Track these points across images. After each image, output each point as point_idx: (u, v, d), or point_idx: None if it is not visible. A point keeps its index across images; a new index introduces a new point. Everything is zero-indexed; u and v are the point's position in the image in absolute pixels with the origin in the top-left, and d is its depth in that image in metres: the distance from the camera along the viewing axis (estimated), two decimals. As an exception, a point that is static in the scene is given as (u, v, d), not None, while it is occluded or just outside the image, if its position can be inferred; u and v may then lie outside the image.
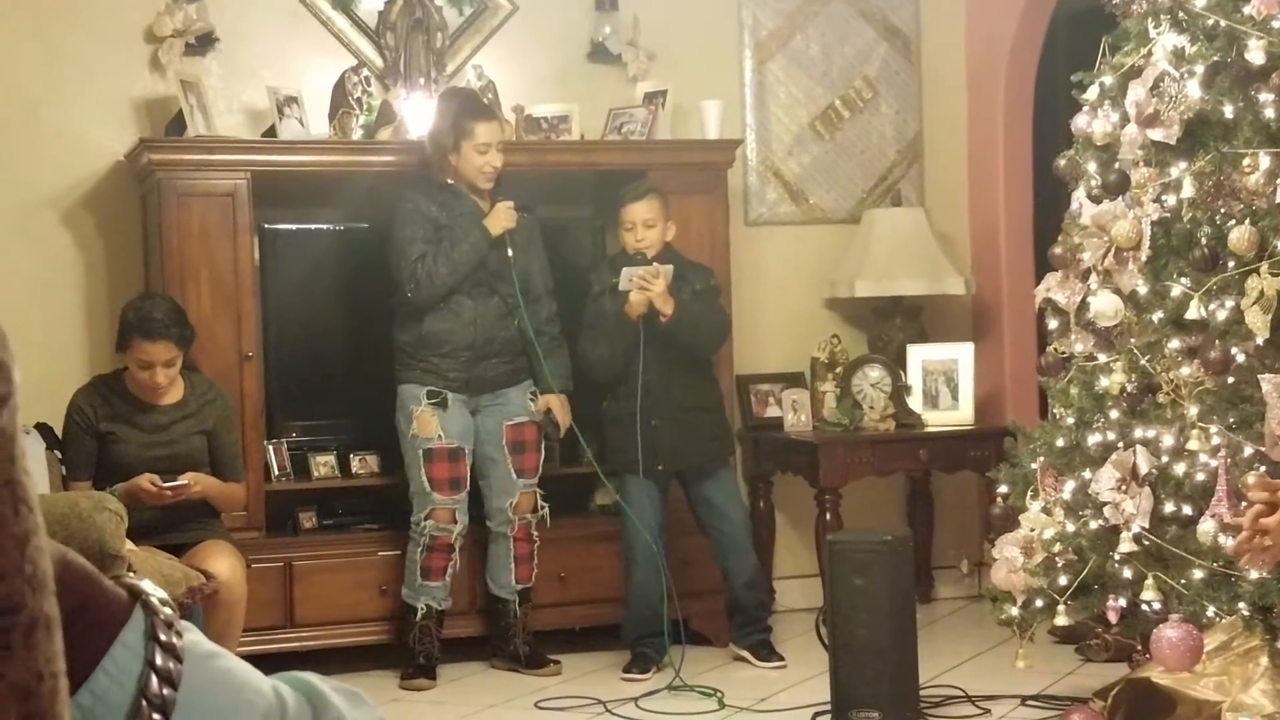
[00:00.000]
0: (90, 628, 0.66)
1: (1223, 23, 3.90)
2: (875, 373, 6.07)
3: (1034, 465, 4.30)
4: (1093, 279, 4.15)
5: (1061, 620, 4.17)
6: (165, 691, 0.67)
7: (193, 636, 0.71)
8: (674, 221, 5.43)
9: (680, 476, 5.48)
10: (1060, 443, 4.25)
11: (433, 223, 5.26)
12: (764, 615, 5.58)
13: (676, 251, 5.45)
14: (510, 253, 5.28)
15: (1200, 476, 3.85)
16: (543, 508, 5.42)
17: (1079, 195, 4.32)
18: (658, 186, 5.44)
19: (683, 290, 5.33)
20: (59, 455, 4.76)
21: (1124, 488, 3.94)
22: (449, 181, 5.29)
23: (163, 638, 0.68)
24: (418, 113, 5.64)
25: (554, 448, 5.57)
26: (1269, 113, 3.74)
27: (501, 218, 5.26)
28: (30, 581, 0.56)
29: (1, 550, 0.55)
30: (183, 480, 4.60)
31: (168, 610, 0.70)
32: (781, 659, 5.40)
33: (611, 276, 5.36)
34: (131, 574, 0.73)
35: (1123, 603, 4.02)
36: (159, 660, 0.67)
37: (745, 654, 5.45)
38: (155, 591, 0.70)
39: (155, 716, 0.67)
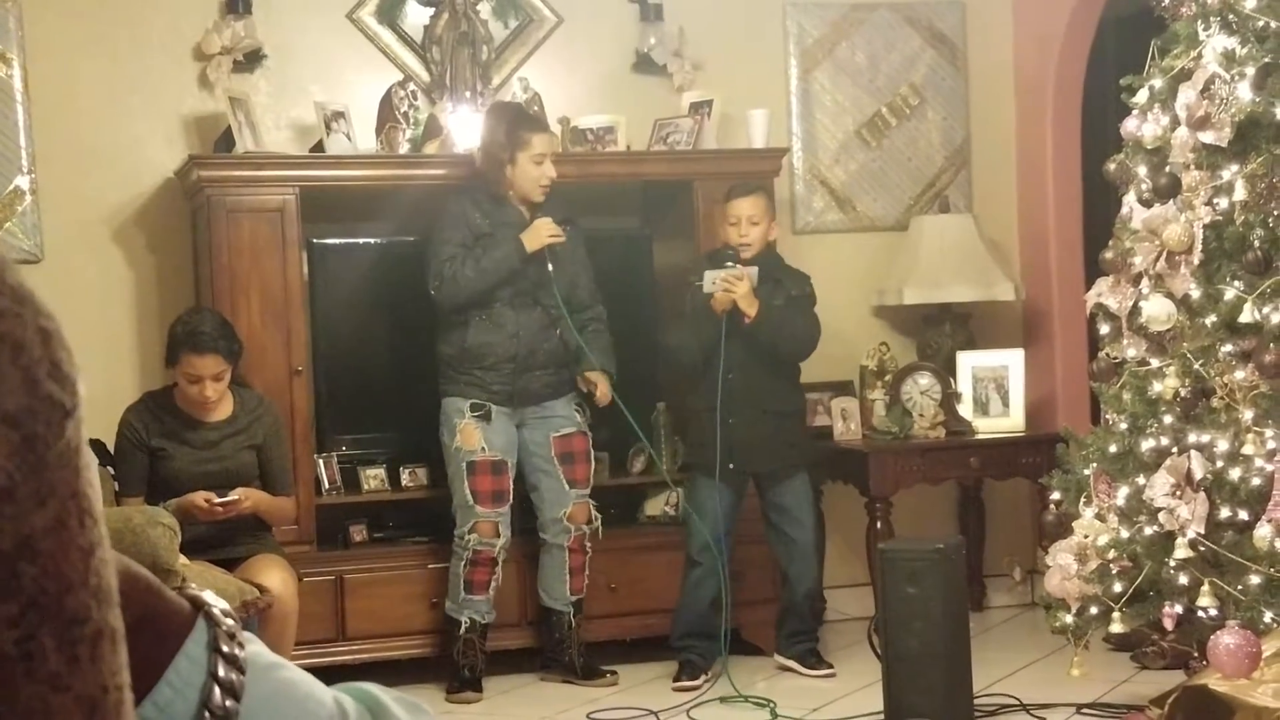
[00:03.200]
0: (153, 639, 0.66)
1: (1274, 24, 3.87)
2: (925, 380, 6.05)
3: (1087, 471, 4.27)
4: (1144, 283, 4.12)
5: (1116, 627, 4.14)
6: (228, 703, 0.67)
7: (255, 648, 0.70)
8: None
9: (756, 480, 5.44)
10: (1113, 448, 4.22)
11: (473, 230, 5.26)
12: (815, 626, 5.55)
13: (777, 254, 5.43)
14: (550, 268, 5.25)
15: (1256, 481, 3.83)
16: (597, 518, 5.42)
17: (1129, 199, 4.30)
18: (766, 185, 5.43)
19: (776, 295, 5.28)
20: (111, 471, 4.80)
21: (1179, 493, 3.91)
22: (505, 193, 5.29)
23: (225, 649, 0.68)
24: (464, 126, 5.66)
25: (603, 459, 5.58)
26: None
27: (540, 233, 5.23)
28: (96, 594, 0.56)
29: (67, 562, 0.55)
30: (234, 496, 4.62)
31: (230, 622, 0.69)
32: (830, 667, 5.37)
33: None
34: (193, 586, 0.73)
35: (1179, 609, 3.98)
36: (222, 672, 0.67)
37: (792, 663, 5.41)
38: (217, 603, 0.70)
39: (218, 728, 0.67)
